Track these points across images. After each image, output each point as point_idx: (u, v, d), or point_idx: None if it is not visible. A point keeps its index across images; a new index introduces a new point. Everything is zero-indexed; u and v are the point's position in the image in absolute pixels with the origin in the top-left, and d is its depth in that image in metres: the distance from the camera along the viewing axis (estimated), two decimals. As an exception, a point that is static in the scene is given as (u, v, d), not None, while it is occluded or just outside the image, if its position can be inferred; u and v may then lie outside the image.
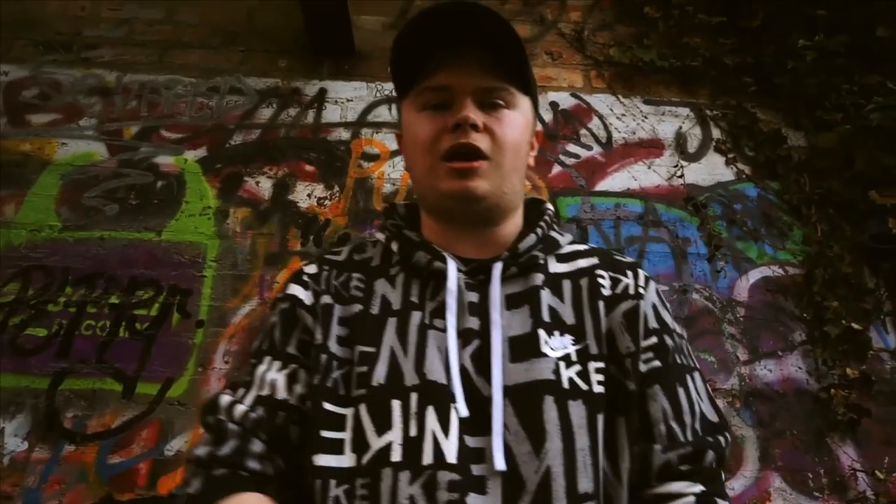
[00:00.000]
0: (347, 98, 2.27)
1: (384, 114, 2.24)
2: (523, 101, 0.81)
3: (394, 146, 2.18)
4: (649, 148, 2.25)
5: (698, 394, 0.77)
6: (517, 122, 0.80)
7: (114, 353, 1.80)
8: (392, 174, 2.13)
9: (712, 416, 0.76)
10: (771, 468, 1.76)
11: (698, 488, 0.71)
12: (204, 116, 2.21)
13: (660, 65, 2.33)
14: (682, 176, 2.18)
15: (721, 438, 0.74)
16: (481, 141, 0.76)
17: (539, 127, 0.91)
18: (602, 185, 2.17)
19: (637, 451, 0.73)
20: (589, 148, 2.24)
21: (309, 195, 2.08)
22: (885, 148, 2.07)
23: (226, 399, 0.75)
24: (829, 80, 2.19)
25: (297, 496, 0.72)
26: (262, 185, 2.09)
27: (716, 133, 2.29)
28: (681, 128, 2.29)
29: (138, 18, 2.40)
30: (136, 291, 1.90)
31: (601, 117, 2.30)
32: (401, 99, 0.86)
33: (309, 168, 2.13)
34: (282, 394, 0.75)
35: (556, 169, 2.18)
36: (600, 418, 0.71)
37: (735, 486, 1.72)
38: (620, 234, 2.08)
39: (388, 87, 2.28)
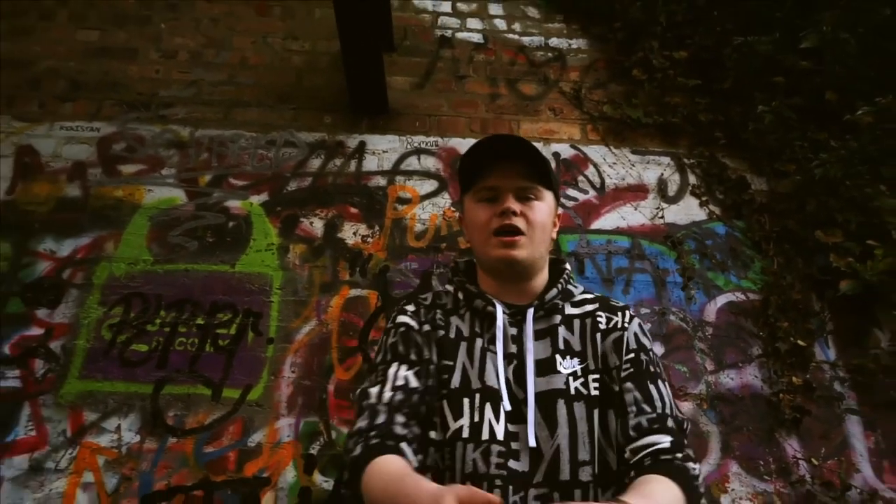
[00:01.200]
0: (383, 150, 2.70)
1: (414, 163, 2.67)
2: (548, 195, 1.24)
3: (423, 191, 2.60)
4: (636, 192, 2.69)
5: (667, 394, 1.14)
6: (543, 210, 1.22)
7: (202, 365, 2.23)
8: (422, 215, 2.56)
9: (671, 405, 1.12)
10: (730, 457, 2.20)
11: (668, 438, 1.04)
12: (264, 166, 2.64)
13: (645, 121, 2.76)
14: (662, 216, 2.61)
15: (683, 422, 1.11)
16: (519, 222, 1.18)
17: (560, 211, 1.35)
18: (596, 224, 2.60)
19: (618, 423, 1.09)
20: (585, 192, 2.67)
21: (354, 233, 2.51)
22: (830, 194, 2.50)
23: (374, 390, 1.15)
24: (786, 136, 2.61)
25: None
26: (315, 225, 2.52)
27: (692, 179, 2.72)
28: (662, 175, 2.72)
29: (204, 80, 2.83)
30: (217, 314, 2.32)
31: (596, 165, 2.73)
32: (463, 194, 1.29)
33: (353, 210, 2.56)
34: (413, 384, 1.15)
35: (558, 210, 2.60)
36: (596, 412, 1.11)
37: (701, 471, 2.15)
38: (611, 266, 2.51)
39: (417, 141, 2.72)
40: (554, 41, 3.06)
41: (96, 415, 2.13)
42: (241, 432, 2.14)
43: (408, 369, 1.18)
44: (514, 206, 1.18)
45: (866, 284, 2.27)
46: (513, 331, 1.20)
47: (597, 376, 1.16)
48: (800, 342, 2.31)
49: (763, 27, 2.74)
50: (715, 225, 2.63)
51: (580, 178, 2.70)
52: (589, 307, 1.26)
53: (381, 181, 2.63)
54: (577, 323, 1.23)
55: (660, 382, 1.16)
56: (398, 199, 2.60)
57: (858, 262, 2.31)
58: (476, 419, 1.10)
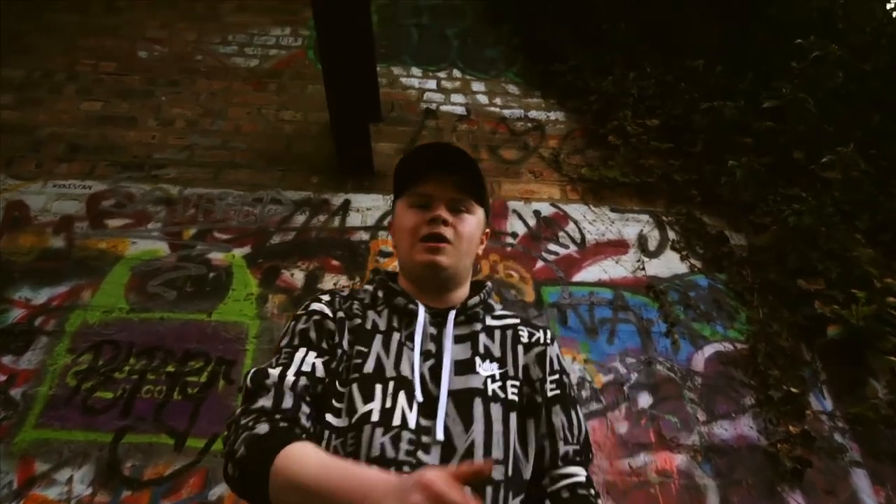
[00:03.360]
0: (367, 207, 2.76)
1: (397, 219, 2.72)
2: (479, 210, 1.25)
3: (405, 245, 2.63)
4: (616, 246, 2.72)
5: (583, 418, 1.19)
6: (472, 224, 1.22)
7: (169, 413, 2.12)
8: (404, 267, 2.57)
9: (587, 433, 1.18)
10: (731, 513, 2.03)
11: (584, 472, 1.11)
12: (249, 221, 2.68)
13: (622, 181, 2.86)
14: (644, 269, 2.62)
15: (590, 443, 1.18)
16: (447, 232, 1.17)
17: (488, 229, 1.35)
18: (578, 277, 2.60)
19: (547, 445, 1.12)
20: (566, 247, 2.69)
21: (335, 284, 2.50)
22: (808, 244, 2.53)
23: (275, 371, 1.05)
24: (760, 192, 2.70)
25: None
26: (296, 276, 2.52)
27: (671, 235, 2.76)
28: (642, 231, 2.77)
29: (198, 145, 2.96)
30: (189, 362, 2.24)
31: (576, 222, 2.78)
32: (396, 198, 1.29)
33: (335, 262, 2.56)
34: (320, 372, 1.08)
35: (540, 264, 2.62)
36: (513, 416, 1.08)
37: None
38: (594, 316, 2.47)
39: (401, 198, 2.79)
40: (533, 113, 3.25)
41: (48, 465, 1.98)
42: (203, 485, 1.98)
43: (317, 356, 1.11)
44: (446, 215, 1.17)
45: (853, 329, 2.24)
46: (432, 330, 1.16)
47: (516, 383, 1.14)
48: (792, 389, 2.22)
49: (726, 97, 2.92)
50: (697, 277, 2.63)
51: (560, 233, 2.74)
52: (510, 321, 1.26)
53: (364, 236, 2.67)
54: (497, 332, 1.22)
55: (578, 407, 1.22)
56: (380, 252, 2.62)
57: (843, 308, 2.28)
58: (388, 405, 1.03)
